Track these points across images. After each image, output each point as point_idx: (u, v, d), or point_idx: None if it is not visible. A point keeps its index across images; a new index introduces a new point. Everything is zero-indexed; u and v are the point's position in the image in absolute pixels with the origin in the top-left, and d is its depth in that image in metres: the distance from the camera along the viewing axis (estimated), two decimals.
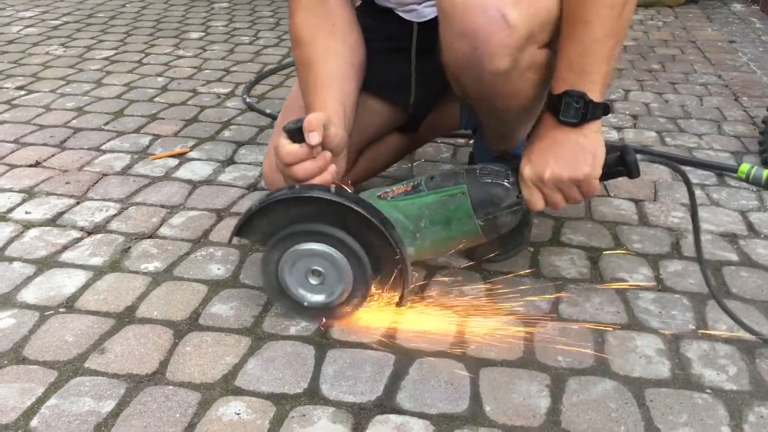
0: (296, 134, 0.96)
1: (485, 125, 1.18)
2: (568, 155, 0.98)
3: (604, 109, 0.97)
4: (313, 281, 1.02)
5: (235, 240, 1.04)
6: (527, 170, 1.00)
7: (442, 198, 1.02)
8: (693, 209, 1.05)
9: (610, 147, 1.01)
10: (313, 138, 0.94)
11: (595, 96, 0.95)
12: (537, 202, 1.02)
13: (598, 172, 0.99)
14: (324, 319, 1.04)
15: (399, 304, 1.03)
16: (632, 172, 1.01)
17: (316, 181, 0.98)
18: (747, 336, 1.03)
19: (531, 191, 1.01)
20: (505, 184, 1.02)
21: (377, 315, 1.05)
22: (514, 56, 0.94)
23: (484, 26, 0.92)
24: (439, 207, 1.02)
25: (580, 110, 0.95)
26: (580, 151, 0.97)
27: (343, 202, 0.96)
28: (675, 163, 1.13)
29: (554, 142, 0.99)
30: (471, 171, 1.04)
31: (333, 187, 0.98)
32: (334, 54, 1.08)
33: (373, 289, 1.02)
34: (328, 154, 0.98)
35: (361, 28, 1.13)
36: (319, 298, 1.03)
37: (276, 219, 1.00)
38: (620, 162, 1.01)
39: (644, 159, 1.07)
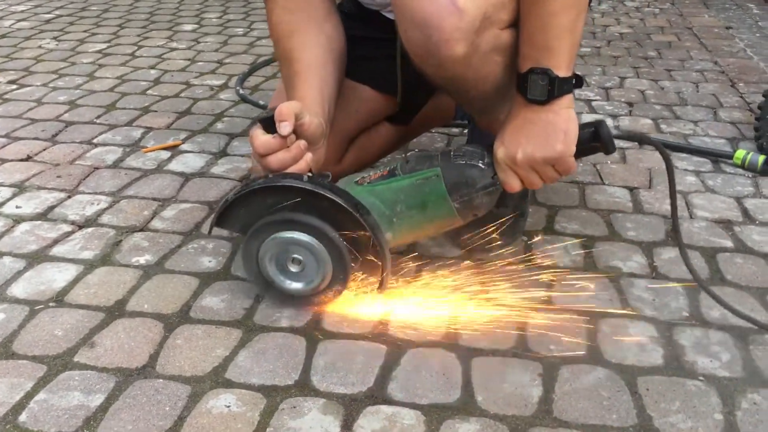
0: (269, 124, 0.95)
1: (470, 112, 1.18)
2: (540, 134, 0.97)
3: (576, 82, 0.96)
4: (293, 269, 1.01)
5: (215, 231, 1.05)
6: (500, 152, 1.00)
7: (417, 181, 1.01)
8: (671, 185, 1.04)
9: (584, 123, 1.00)
10: (284, 128, 0.94)
11: (561, 71, 0.94)
12: (513, 183, 1.01)
13: (572, 149, 0.97)
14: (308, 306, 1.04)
15: (379, 289, 1.02)
16: (608, 147, 1.00)
17: (292, 170, 0.97)
18: (740, 322, 1.02)
19: (506, 173, 1.01)
20: (480, 165, 1.01)
21: (369, 303, 1.05)
22: (470, 40, 0.93)
23: (434, 13, 0.91)
24: (414, 191, 1.01)
25: (546, 87, 0.94)
26: (552, 128, 0.96)
27: (315, 189, 0.95)
28: (651, 138, 1.13)
29: (525, 121, 0.98)
30: (445, 153, 1.03)
31: (306, 176, 0.97)
32: (311, 44, 1.08)
33: (353, 275, 1.02)
34: (303, 143, 0.98)
35: (348, 15, 1.13)
36: (298, 285, 1.02)
37: (253, 209, 1.00)
38: (595, 137, 1.00)
39: (620, 134, 1.06)
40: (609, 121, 1.79)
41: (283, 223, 0.99)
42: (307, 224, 0.98)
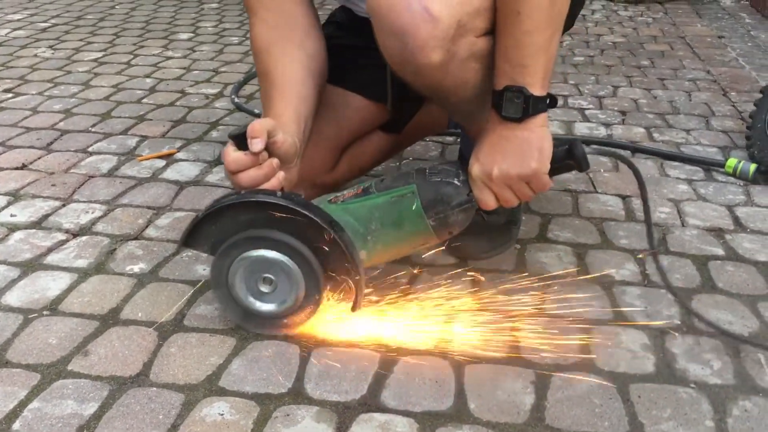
0: (241, 140, 0.94)
1: (457, 120, 1.18)
2: (515, 151, 0.98)
3: (550, 101, 0.97)
4: (264, 289, 0.99)
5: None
6: (475, 169, 1.01)
7: (393, 199, 1.00)
8: (643, 197, 1.09)
9: (558, 141, 1.01)
10: (256, 145, 0.93)
11: (536, 90, 0.95)
12: (488, 201, 1.02)
13: (546, 166, 0.98)
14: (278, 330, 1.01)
15: (353, 308, 0.98)
16: (581, 165, 1.02)
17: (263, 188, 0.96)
18: (733, 330, 1.03)
19: (481, 190, 1.01)
20: (455, 182, 1.02)
21: (361, 312, 1.05)
22: (445, 48, 0.93)
23: (409, 22, 0.92)
24: (389, 208, 1.00)
25: (521, 105, 0.95)
26: (527, 146, 0.97)
27: (288, 205, 0.93)
28: (622, 154, 1.16)
29: (500, 138, 0.99)
30: (420, 171, 1.03)
31: (278, 193, 0.95)
32: (290, 60, 1.08)
33: (327, 294, 0.99)
34: (275, 161, 0.97)
35: (340, 25, 1.13)
36: (270, 307, 0.99)
37: (223, 226, 0.97)
38: (569, 155, 1.01)
39: (593, 152, 1.09)
40: (602, 130, 1.80)
41: (254, 240, 0.96)
42: (278, 241, 0.95)
